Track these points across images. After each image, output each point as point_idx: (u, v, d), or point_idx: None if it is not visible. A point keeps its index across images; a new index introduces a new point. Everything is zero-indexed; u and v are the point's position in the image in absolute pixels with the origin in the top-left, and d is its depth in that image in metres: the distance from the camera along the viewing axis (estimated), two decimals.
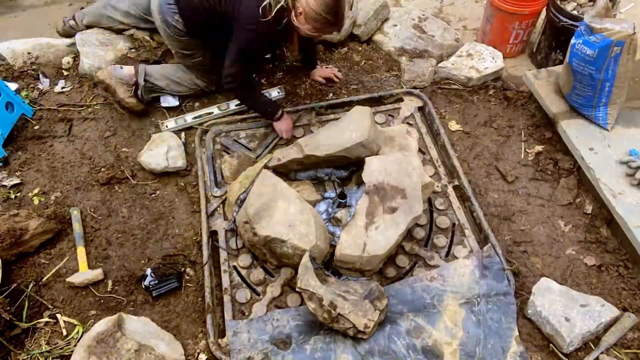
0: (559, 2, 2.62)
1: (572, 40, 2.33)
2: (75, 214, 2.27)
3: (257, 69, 2.51)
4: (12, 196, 2.37)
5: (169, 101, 2.75)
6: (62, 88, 2.83)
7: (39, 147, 2.58)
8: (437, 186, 2.38)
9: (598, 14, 2.25)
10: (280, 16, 2.10)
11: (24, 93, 2.76)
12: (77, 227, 2.23)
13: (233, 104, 2.75)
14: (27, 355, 1.90)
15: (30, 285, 2.08)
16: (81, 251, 2.17)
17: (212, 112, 2.71)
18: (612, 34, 2.16)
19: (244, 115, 2.70)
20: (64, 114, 2.72)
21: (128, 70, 2.60)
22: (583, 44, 2.25)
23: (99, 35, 2.97)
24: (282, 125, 2.53)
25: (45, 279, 2.12)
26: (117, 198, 2.39)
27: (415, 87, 2.83)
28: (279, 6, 2.07)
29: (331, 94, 2.82)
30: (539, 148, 2.55)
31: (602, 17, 2.25)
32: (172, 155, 2.44)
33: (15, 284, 2.06)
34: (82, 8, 3.01)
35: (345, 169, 2.30)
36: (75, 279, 2.08)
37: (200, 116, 2.68)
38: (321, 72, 2.85)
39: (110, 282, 2.10)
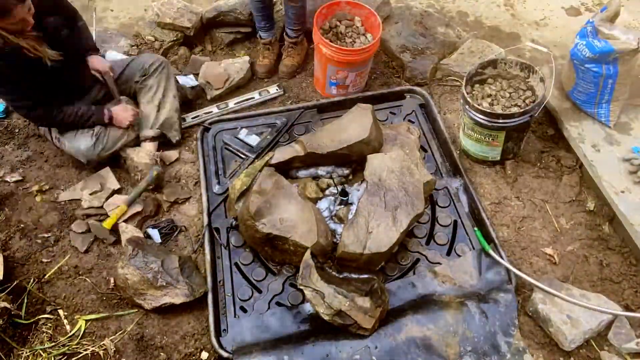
0: None
1: (576, 40, 2.32)
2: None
3: (40, 94, 2.18)
4: None
5: (188, 82, 2.74)
6: None
7: (41, 145, 2.58)
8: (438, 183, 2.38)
9: (607, 17, 2.25)
10: None
11: None
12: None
13: (232, 103, 2.75)
14: (30, 351, 1.91)
15: (31, 282, 2.09)
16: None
17: (212, 111, 2.71)
18: (615, 44, 2.16)
19: (244, 113, 2.70)
20: None
21: None
22: (585, 46, 2.25)
23: (100, 33, 2.97)
24: (119, 116, 2.36)
25: (47, 276, 2.13)
26: None
27: (417, 84, 2.82)
28: None
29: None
30: (541, 145, 2.54)
31: (610, 20, 2.25)
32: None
33: (17, 281, 2.07)
34: None
35: (347, 167, 2.30)
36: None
37: (198, 116, 2.68)
38: (92, 62, 2.39)
39: (112, 280, 2.11)
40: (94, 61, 2.38)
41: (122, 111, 2.38)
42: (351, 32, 2.71)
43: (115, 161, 2.49)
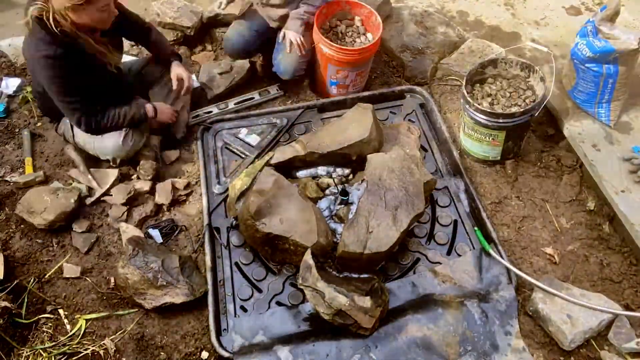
0: None
1: (576, 39, 2.32)
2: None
3: (95, 95, 2.18)
4: None
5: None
6: None
7: (41, 145, 2.58)
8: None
9: (607, 17, 2.25)
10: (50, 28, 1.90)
11: (29, 89, 2.75)
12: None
13: (232, 103, 2.75)
14: (30, 350, 1.91)
15: (32, 281, 2.09)
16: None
17: (212, 111, 2.71)
18: (616, 43, 2.16)
19: (244, 113, 2.70)
20: None
21: None
22: (585, 45, 2.25)
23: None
24: (164, 113, 2.38)
25: (47, 275, 2.13)
26: None
27: (417, 84, 2.82)
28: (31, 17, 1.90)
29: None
30: (541, 145, 2.54)
31: (610, 20, 2.25)
32: None
33: (18, 281, 2.07)
34: None
35: (347, 166, 2.30)
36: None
37: (198, 115, 2.68)
38: (175, 70, 2.43)
39: (112, 280, 2.11)
40: (177, 69, 2.42)
41: (164, 108, 2.40)
42: (351, 32, 2.70)
43: None
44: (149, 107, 2.31)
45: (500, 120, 2.24)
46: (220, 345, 1.92)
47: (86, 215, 2.30)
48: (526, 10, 3.25)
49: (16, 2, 3.45)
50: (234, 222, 2.23)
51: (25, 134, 2.56)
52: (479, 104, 2.29)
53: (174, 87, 2.42)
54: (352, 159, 2.26)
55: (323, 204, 2.21)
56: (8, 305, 1.93)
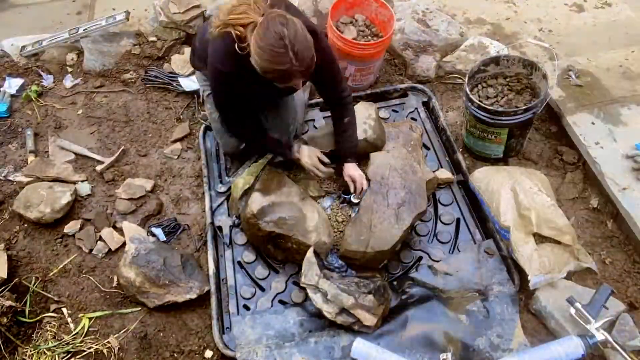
0: None
1: None
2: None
3: (252, 109, 2.13)
4: None
5: (190, 85, 2.76)
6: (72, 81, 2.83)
7: (44, 144, 2.59)
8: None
9: None
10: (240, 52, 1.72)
11: (34, 88, 2.76)
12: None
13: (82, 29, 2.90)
14: (34, 349, 1.91)
15: (35, 281, 2.10)
16: None
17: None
18: None
19: None
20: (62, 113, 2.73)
21: None
22: None
23: (102, 32, 2.97)
24: (306, 159, 2.16)
25: (52, 274, 2.14)
26: None
27: (419, 82, 2.82)
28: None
29: None
30: (544, 142, 2.53)
31: None
32: None
33: (22, 279, 2.08)
34: None
35: None
36: None
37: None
38: (349, 170, 2.14)
39: (115, 278, 2.11)
40: (352, 171, 2.13)
41: (308, 157, 2.17)
42: (368, 30, 2.70)
43: None
44: (295, 147, 2.17)
45: (503, 118, 2.23)
46: (224, 343, 1.93)
47: (88, 213, 2.31)
48: (528, 7, 3.23)
49: (16, 2, 3.46)
50: (237, 221, 2.24)
51: (29, 133, 2.57)
52: (481, 102, 2.28)
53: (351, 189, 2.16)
54: None
55: (325, 202, 2.21)
56: (12, 304, 1.93)
